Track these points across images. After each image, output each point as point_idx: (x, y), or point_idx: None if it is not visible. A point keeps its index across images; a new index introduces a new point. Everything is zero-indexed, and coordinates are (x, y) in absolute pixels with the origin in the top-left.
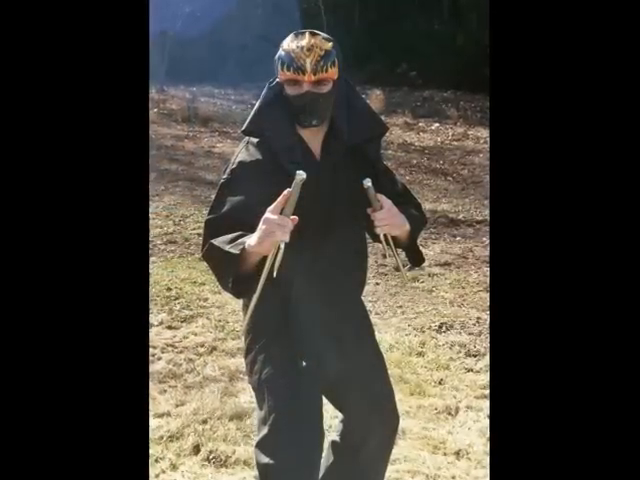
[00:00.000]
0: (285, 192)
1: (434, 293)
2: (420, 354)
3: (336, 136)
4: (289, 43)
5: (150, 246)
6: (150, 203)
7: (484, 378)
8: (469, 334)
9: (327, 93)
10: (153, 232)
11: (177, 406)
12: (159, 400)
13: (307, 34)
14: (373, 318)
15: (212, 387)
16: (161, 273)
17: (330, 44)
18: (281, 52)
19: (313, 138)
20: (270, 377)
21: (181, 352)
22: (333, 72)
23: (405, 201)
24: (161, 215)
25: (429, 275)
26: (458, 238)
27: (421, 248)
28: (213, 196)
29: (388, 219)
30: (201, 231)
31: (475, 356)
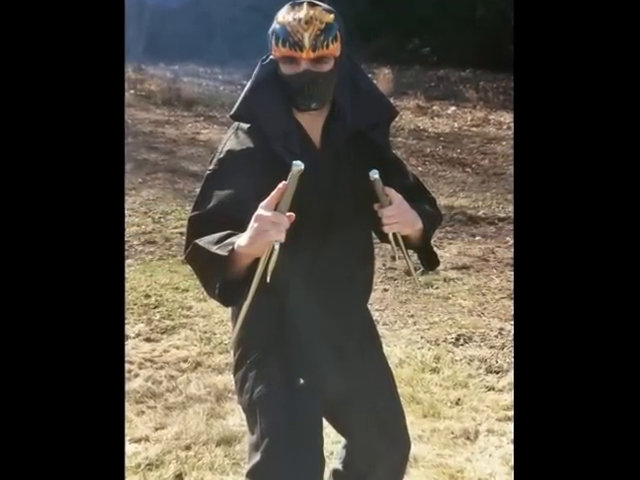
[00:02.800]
0: (280, 185)
1: (450, 301)
2: (434, 370)
3: (338, 121)
4: (285, 15)
5: (126, 247)
6: (126, 198)
7: (507, 398)
8: (490, 347)
9: (328, 72)
10: (129, 231)
11: (157, 430)
12: (136, 423)
13: (305, 5)
14: (381, 329)
15: (197, 408)
16: (138, 278)
17: (331, 16)
18: (275, 25)
19: (312, 123)
20: (263, 396)
21: (161, 368)
22: (335, 48)
23: (417, 196)
24: (138, 212)
25: (445, 280)
26: (478, 238)
27: (436, 249)
28: (198, 190)
29: (398, 216)
30: (184, 230)
31: (497, 372)
